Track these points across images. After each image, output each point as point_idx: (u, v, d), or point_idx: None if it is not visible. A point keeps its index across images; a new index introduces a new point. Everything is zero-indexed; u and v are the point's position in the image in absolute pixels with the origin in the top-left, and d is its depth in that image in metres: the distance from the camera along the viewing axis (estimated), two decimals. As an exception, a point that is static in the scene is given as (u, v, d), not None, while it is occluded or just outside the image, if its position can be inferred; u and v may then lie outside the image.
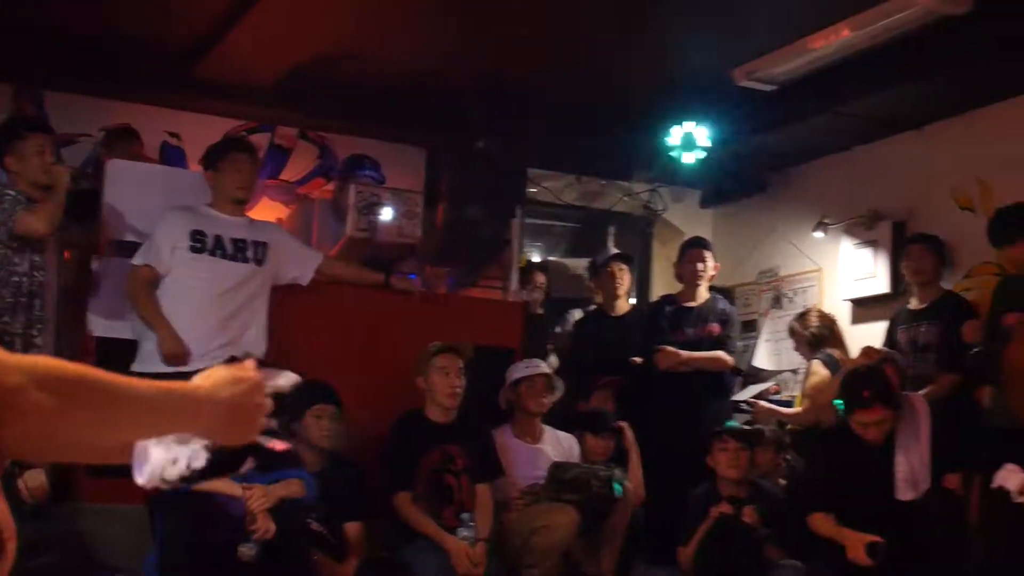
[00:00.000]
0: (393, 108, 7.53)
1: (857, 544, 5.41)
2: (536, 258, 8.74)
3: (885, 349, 6.50)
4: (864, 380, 5.82)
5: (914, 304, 6.74)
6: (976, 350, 6.13)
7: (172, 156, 7.30)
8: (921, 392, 6.02)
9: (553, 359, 7.28)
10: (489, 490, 5.83)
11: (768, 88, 6.68)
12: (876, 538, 5.36)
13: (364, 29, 6.62)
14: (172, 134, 7.36)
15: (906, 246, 7.06)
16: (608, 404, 6.85)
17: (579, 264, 8.33)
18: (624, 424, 6.46)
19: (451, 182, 7.44)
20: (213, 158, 5.86)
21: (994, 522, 5.31)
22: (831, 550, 5.51)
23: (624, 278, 7.46)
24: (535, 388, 6.26)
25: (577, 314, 7.86)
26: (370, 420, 5.91)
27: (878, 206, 7.66)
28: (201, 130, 7.01)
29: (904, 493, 5.53)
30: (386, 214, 6.36)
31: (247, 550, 4.77)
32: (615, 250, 8.04)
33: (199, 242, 5.65)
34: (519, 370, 6.31)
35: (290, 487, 4.92)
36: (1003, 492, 5.30)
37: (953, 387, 6.27)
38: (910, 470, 5.54)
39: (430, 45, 6.80)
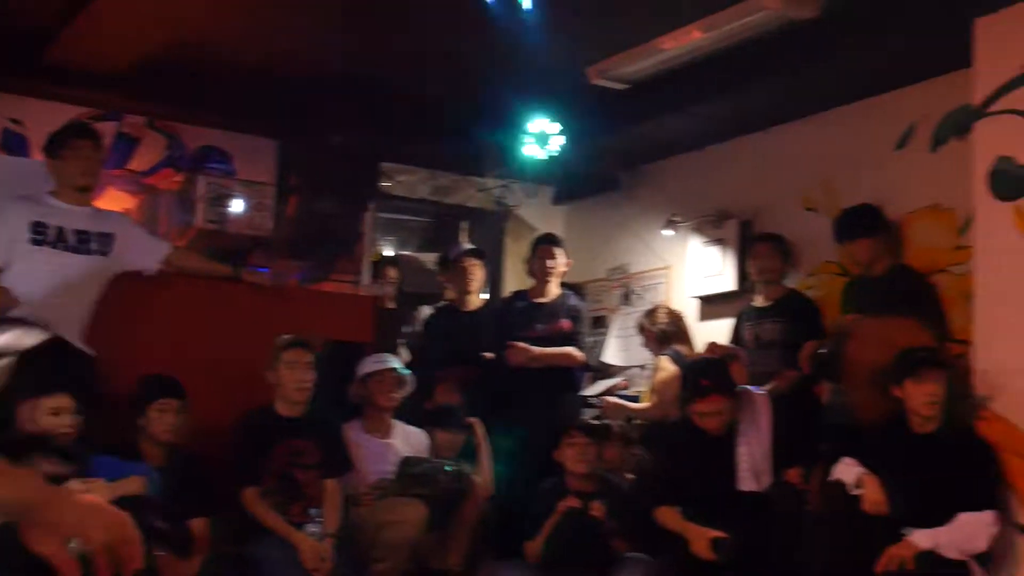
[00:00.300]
0: (245, 99, 7.39)
1: (701, 539, 5.50)
2: (389, 252, 8.71)
3: (729, 345, 6.62)
4: (703, 371, 5.99)
5: (759, 302, 6.88)
6: (822, 350, 6.27)
7: (13, 144, 7.08)
8: (764, 387, 6.13)
9: (404, 354, 7.27)
10: (338, 485, 5.79)
11: (620, 87, 6.76)
12: (720, 534, 5.46)
13: (217, 19, 6.48)
14: (14, 120, 7.13)
15: (752, 245, 7.20)
16: (453, 397, 6.84)
17: (432, 259, 8.30)
18: (475, 420, 6.47)
19: (303, 175, 7.38)
20: (55, 145, 5.68)
21: (832, 514, 5.44)
22: (677, 543, 5.60)
23: (476, 273, 7.47)
24: (385, 383, 6.27)
25: (428, 309, 7.83)
26: (218, 414, 5.79)
27: (726, 205, 7.80)
28: (47, 117, 6.77)
29: (746, 484, 5.66)
30: (236, 206, 6.27)
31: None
32: (468, 245, 8.05)
33: (40, 234, 5.48)
34: (369, 365, 6.31)
35: (130, 484, 4.80)
36: (840, 485, 5.45)
37: (795, 383, 6.39)
38: (752, 462, 5.68)
39: (284, 36, 6.69)
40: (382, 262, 8.14)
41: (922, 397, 5.41)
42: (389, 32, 6.40)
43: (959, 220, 6.30)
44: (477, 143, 7.96)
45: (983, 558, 5.24)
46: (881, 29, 6.02)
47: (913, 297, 6.20)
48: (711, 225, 7.86)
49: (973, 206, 5.80)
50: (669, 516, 5.67)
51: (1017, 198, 5.55)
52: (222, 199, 6.21)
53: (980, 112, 5.76)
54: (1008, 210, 5.59)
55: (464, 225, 8.79)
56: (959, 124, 6.18)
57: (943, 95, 6.40)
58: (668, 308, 7.44)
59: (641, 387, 7.48)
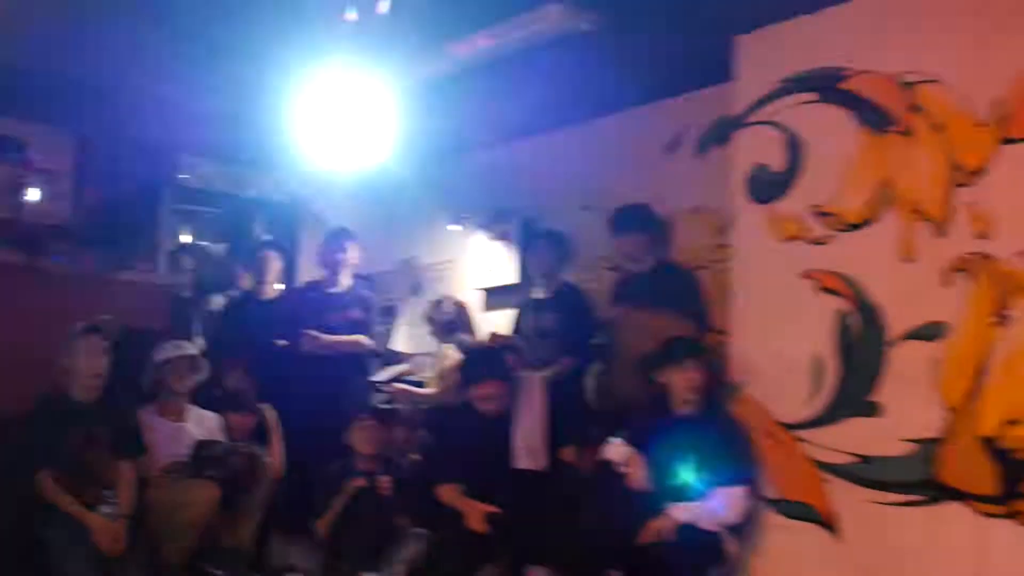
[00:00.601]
0: (42, 89, 7.15)
1: (475, 513, 5.74)
2: (185, 242, 8.65)
3: (509, 335, 6.84)
4: (480, 358, 6.21)
5: (538, 294, 7.04)
6: (594, 338, 6.57)
7: None
8: (541, 373, 6.35)
9: (199, 341, 7.27)
10: (132, 467, 5.80)
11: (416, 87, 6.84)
12: (493, 508, 5.71)
13: (13, 5, 6.31)
14: None
15: (532, 240, 7.38)
16: (245, 383, 6.93)
17: (227, 250, 8.30)
18: (266, 405, 6.55)
19: (101, 165, 7.28)
20: None
21: (601, 490, 5.72)
22: (455, 518, 5.81)
23: (273, 265, 7.54)
24: (179, 369, 6.30)
25: (221, 298, 7.87)
26: (12, 400, 5.75)
27: (509, 204, 8.00)
28: None
29: (522, 462, 5.87)
30: (33, 195, 6.19)
31: None
32: (266, 237, 8.11)
33: None
34: (164, 351, 6.31)
35: None
36: (609, 463, 5.75)
37: (570, 370, 6.58)
38: (527, 442, 5.88)
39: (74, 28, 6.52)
40: (178, 251, 8.11)
41: (683, 383, 5.73)
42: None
43: (719, 220, 6.57)
44: (274, 138, 8.01)
45: (734, 528, 5.58)
46: (652, 44, 6.26)
47: (678, 290, 6.47)
48: (495, 221, 8.06)
49: (732, 208, 6.11)
50: (449, 493, 5.88)
51: (770, 201, 5.91)
52: (17, 188, 6.12)
53: (739, 123, 6.09)
54: (763, 213, 5.94)
55: (260, 218, 8.79)
56: (721, 133, 6.48)
57: (707, 106, 6.67)
58: (454, 299, 7.60)
59: (427, 373, 7.57)
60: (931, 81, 5.39)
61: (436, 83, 6.76)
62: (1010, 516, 4.92)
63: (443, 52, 6.38)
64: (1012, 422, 4.96)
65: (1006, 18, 5.15)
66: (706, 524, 5.52)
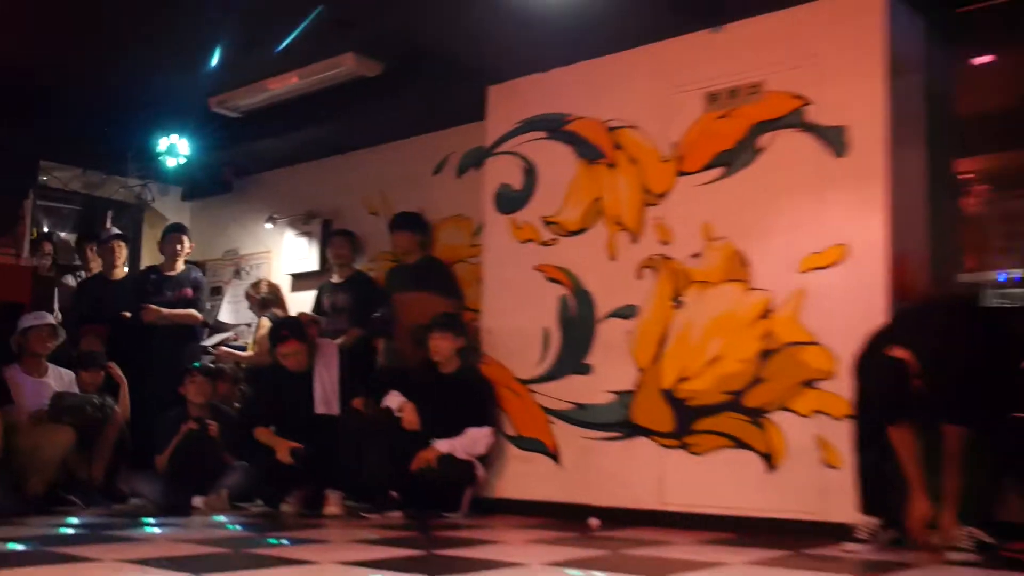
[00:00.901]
0: None
1: (283, 448, 5.68)
2: (45, 231, 8.24)
3: (311, 313, 6.78)
4: (283, 324, 6.16)
5: (335, 279, 6.96)
6: (377, 314, 6.55)
7: None
8: (336, 340, 6.29)
9: (58, 313, 6.96)
10: (1, 415, 5.50)
11: (235, 115, 6.67)
12: (297, 445, 5.66)
13: None
14: None
15: (331, 237, 7.29)
16: (96, 345, 6.69)
17: (82, 239, 7.93)
18: (112, 363, 6.35)
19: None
20: None
21: (382, 430, 5.70)
22: (268, 453, 5.73)
23: (121, 252, 7.28)
24: (41, 335, 6.03)
25: (72, 279, 7.63)
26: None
27: (313, 207, 7.86)
28: None
29: (320, 409, 5.82)
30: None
31: None
32: (115, 230, 7.83)
33: None
34: (28, 320, 6.05)
35: None
36: (388, 410, 5.75)
37: (359, 338, 6.55)
38: (324, 394, 5.84)
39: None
40: (40, 239, 7.72)
41: (442, 347, 5.82)
42: (53, 41, 5.86)
43: (474, 226, 6.64)
44: (123, 149, 7.69)
45: (483, 458, 5.70)
46: (425, 89, 6.25)
47: (439, 278, 6.51)
48: (301, 221, 7.91)
49: (484, 217, 6.19)
50: (263, 434, 5.80)
51: (512, 212, 6.02)
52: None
53: (489, 152, 6.17)
54: (506, 221, 6.04)
55: (110, 213, 8.42)
56: (476, 160, 6.53)
57: (466, 139, 6.70)
58: (268, 281, 7.41)
59: (247, 340, 7.43)
60: (629, 127, 5.59)
61: (253, 112, 6.58)
62: (681, 447, 5.17)
63: (260, 87, 6.23)
64: (683, 379, 5.21)
65: (679, 84, 5.38)
66: (461, 455, 5.61)
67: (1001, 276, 5.38)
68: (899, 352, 4.02)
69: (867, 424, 4.28)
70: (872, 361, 4.21)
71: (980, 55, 5.48)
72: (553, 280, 5.80)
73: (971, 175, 5.85)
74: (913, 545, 4.06)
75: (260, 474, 5.76)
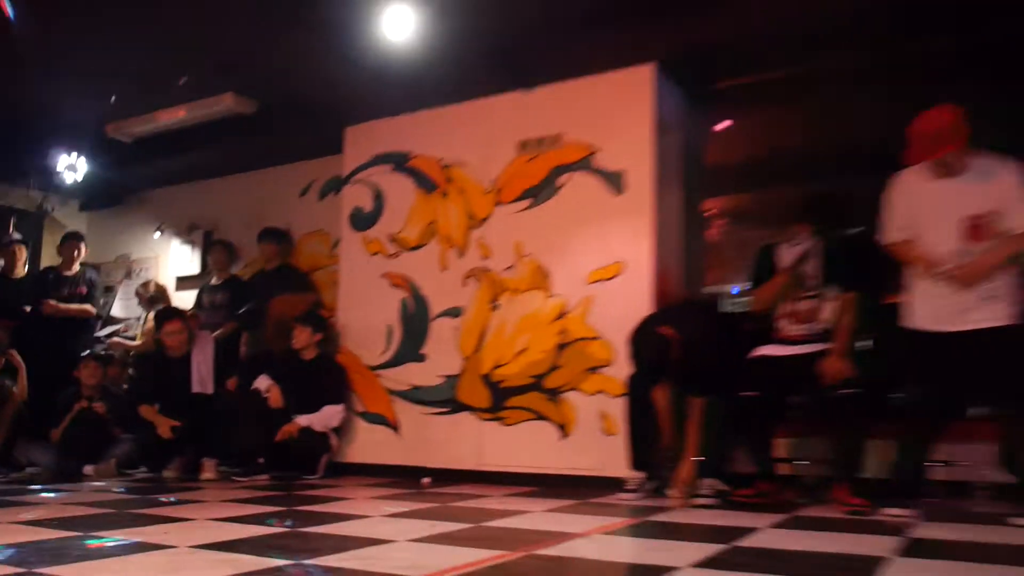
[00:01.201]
0: None
1: (164, 425, 5.40)
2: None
3: (193, 309, 6.48)
4: (169, 309, 5.92)
5: (214, 281, 6.68)
6: (246, 309, 6.31)
7: None
8: (214, 332, 6.02)
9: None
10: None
11: (129, 140, 6.31)
12: (175, 422, 5.39)
13: None
14: None
15: (211, 246, 6.98)
16: (2, 336, 6.14)
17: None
18: (12, 351, 5.86)
19: None
20: None
21: (251, 408, 5.49)
22: (152, 428, 5.43)
23: (21, 254, 6.75)
24: (-54, 326, 5.50)
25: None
26: None
27: (196, 221, 7.51)
28: None
29: (196, 389, 5.56)
30: None
31: None
32: (17, 235, 7.24)
33: None
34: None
35: None
36: (257, 391, 5.55)
37: (233, 330, 6.29)
38: (200, 375, 5.59)
39: None
40: (-56, 242, 7.08)
41: (303, 339, 5.66)
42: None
43: (332, 240, 6.48)
44: (29, 164, 7.12)
45: (336, 430, 5.58)
46: (293, 125, 6.08)
47: (294, 281, 6.33)
48: (186, 232, 7.57)
49: (341, 233, 6.06)
50: (147, 411, 5.49)
51: (364, 230, 5.92)
52: None
53: (346, 180, 6.05)
54: (359, 237, 5.94)
55: (14, 220, 7.78)
56: (335, 186, 6.38)
57: (327, 168, 6.54)
58: (156, 282, 7.09)
59: (136, 331, 7.05)
60: (459, 165, 5.60)
61: (145, 138, 6.23)
62: (496, 419, 5.22)
63: (151, 118, 5.92)
64: (498, 366, 5.26)
65: (498, 133, 5.43)
66: (318, 428, 5.49)
67: (734, 289, 5.69)
68: (664, 329, 4.15)
69: (637, 390, 4.39)
70: (643, 335, 4.30)
71: (722, 121, 5.78)
72: (396, 286, 5.74)
73: (714, 211, 6.16)
74: (669, 493, 4.22)
75: (144, 446, 5.46)
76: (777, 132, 6.13)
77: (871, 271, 3.89)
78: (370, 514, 3.67)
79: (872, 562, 2.62)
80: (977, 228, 3.48)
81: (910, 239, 3.65)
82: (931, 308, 3.58)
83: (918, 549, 2.88)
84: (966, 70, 4.53)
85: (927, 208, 3.60)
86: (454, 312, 5.46)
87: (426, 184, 5.72)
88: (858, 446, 3.83)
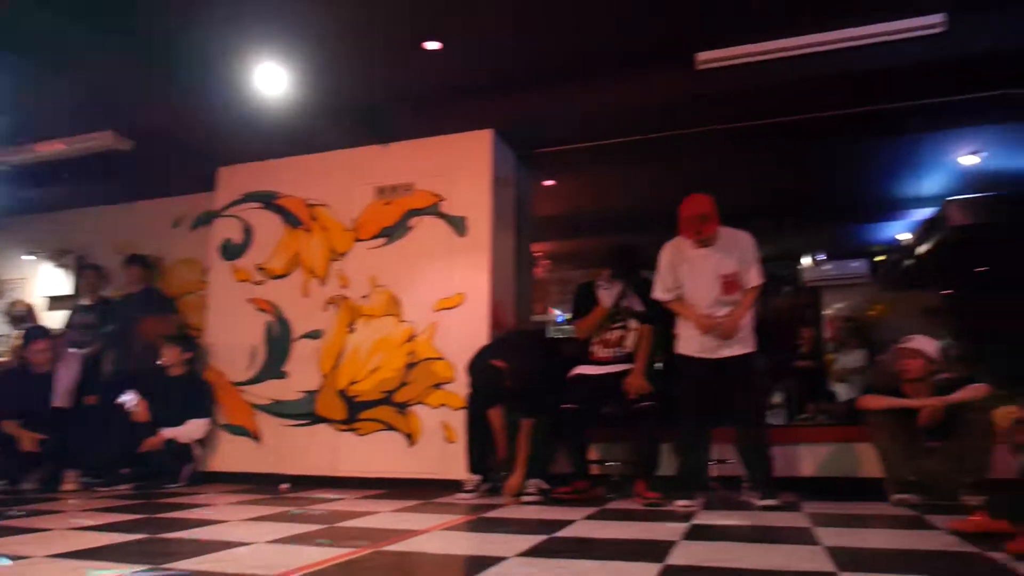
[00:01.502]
0: None
1: (26, 439, 4.77)
2: None
3: (64, 328, 5.77)
4: (36, 328, 5.29)
5: (85, 302, 6.01)
6: (111, 329, 5.67)
7: None
8: (80, 350, 5.37)
9: None
10: None
11: (5, 168, 5.59)
12: (41, 436, 4.77)
13: None
14: None
15: (82, 269, 6.27)
16: None
17: None
18: None
19: None
20: None
21: (118, 421, 4.94)
22: (13, 441, 4.76)
23: None
24: None
25: None
26: None
27: (70, 246, 6.73)
28: None
29: (59, 403, 4.95)
30: None
31: None
32: None
33: None
34: None
35: None
36: (123, 404, 5.01)
37: (99, 349, 5.61)
38: (63, 391, 4.98)
39: None
40: None
41: (171, 356, 5.19)
42: None
43: (202, 267, 5.99)
44: None
45: (201, 441, 5.14)
46: (170, 163, 5.65)
47: (156, 303, 5.74)
48: (59, 256, 6.77)
49: (210, 262, 5.65)
50: (9, 426, 4.82)
51: (233, 260, 5.54)
52: None
53: (218, 214, 5.67)
54: (228, 266, 5.56)
55: None
56: (207, 218, 5.91)
57: (200, 203, 6.04)
58: (23, 301, 6.33)
59: (2, 349, 6.23)
60: (322, 205, 5.38)
61: (21, 168, 5.56)
62: (350, 430, 5.00)
63: (28, 149, 5.29)
64: (353, 382, 5.05)
65: (358, 179, 5.27)
66: (183, 439, 5.03)
67: (559, 318, 5.78)
68: (497, 362, 4.14)
69: (474, 408, 4.36)
70: (479, 366, 4.29)
71: (546, 179, 5.91)
72: (262, 310, 5.41)
73: (540, 254, 6.25)
74: (501, 494, 4.16)
75: (7, 460, 4.78)
76: (586, 192, 6.37)
77: (661, 308, 4.05)
78: (229, 519, 3.37)
79: (666, 545, 2.66)
80: (729, 284, 3.82)
81: (678, 296, 3.93)
82: (697, 342, 3.85)
83: (701, 533, 2.95)
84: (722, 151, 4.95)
85: (693, 270, 3.90)
86: (315, 334, 5.20)
87: (292, 220, 5.44)
88: (654, 449, 3.95)
